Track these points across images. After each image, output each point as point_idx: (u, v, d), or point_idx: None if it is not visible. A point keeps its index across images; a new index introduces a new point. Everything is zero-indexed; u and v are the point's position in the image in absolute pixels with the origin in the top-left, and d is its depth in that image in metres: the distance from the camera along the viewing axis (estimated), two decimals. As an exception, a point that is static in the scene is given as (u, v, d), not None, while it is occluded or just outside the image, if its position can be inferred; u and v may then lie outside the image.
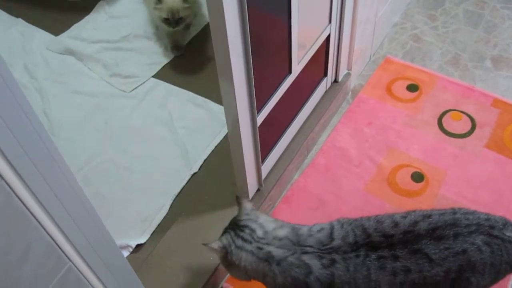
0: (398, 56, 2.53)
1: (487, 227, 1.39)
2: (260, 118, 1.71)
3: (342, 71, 2.28)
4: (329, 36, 2.01)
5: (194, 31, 2.65)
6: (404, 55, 2.54)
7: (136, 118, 2.30)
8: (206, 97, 2.33)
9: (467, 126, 2.24)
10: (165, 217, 1.97)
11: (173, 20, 2.39)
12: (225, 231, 1.55)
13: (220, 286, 1.87)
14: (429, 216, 1.42)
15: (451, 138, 2.21)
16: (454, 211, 1.43)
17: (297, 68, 1.84)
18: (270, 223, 1.51)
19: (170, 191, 2.03)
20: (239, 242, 1.48)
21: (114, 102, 2.38)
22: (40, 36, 2.70)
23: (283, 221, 1.55)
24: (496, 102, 2.32)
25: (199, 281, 1.77)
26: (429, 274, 1.34)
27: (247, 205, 1.56)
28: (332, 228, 1.47)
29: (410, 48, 2.57)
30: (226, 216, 1.89)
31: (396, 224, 1.41)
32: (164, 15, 2.38)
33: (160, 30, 2.63)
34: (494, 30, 2.61)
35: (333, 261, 1.38)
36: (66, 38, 2.68)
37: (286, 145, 2.06)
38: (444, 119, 2.27)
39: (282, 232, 1.48)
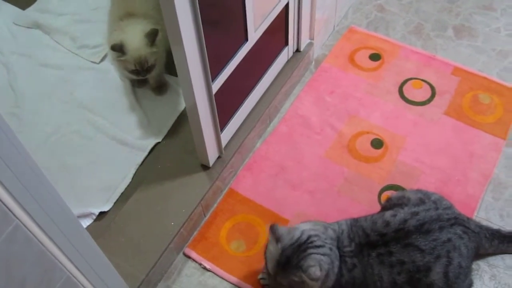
0: (362, 26, 2.56)
1: (461, 220, 1.65)
2: (215, 86, 1.74)
3: (304, 41, 2.30)
4: (287, 4, 2.03)
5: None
6: (368, 25, 2.57)
7: (101, 90, 2.32)
8: (168, 72, 2.33)
9: (427, 94, 2.29)
10: (128, 185, 2.01)
11: (142, 70, 2.08)
12: (302, 259, 1.51)
13: (182, 251, 1.92)
14: (417, 213, 1.60)
15: (411, 106, 2.25)
16: (436, 207, 1.64)
17: (254, 35, 1.87)
18: (316, 225, 1.60)
19: (134, 161, 2.07)
20: (315, 251, 1.53)
21: (80, 75, 2.40)
22: (7, 10, 2.69)
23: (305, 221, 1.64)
24: (457, 71, 2.36)
25: (161, 245, 1.82)
26: (421, 263, 1.55)
27: (283, 228, 1.57)
28: (348, 229, 1.62)
29: (374, 18, 2.59)
30: (186, 183, 1.94)
31: (387, 224, 1.60)
32: (132, 67, 2.07)
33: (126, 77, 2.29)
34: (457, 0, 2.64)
35: (354, 266, 1.57)
36: (33, 11, 2.67)
37: (247, 113, 2.09)
38: (405, 87, 2.31)
39: (329, 231, 1.60)
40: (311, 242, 1.53)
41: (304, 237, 1.54)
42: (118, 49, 2.03)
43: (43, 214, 1.18)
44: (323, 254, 1.52)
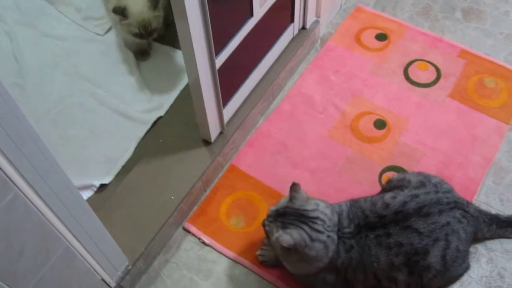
0: (370, 5, 2.53)
1: (461, 204, 1.65)
2: (219, 61, 1.73)
3: (311, 18, 2.28)
4: (294, -19, 2.01)
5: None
6: (376, 4, 2.54)
7: (105, 63, 2.31)
8: (172, 45, 2.33)
9: (432, 76, 2.27)
10: (129, 159, 2.01)
11: (145, 33, 2.10)
12: (291, 224, 1.53)
13: (181, 225, 1.92)
14: (417, 196, 1.60)
15: (416, 87, 2.24)
16: (436, 190, 1.64)
17: (259, 11, 1.85)
18: (326, 209, 1.59)
19: (135, 134, 2.07)
20: (315, 234, 1.53)
21: (83, 47, 2.38)
22: (11, -22, 2.67)
23: (319, 199, 1.63)
24: (463, 53, 2.34)
25: (160, 219, 1.82)
26: (419, 245, 1.55)
27: (303, 193, 1.59)
28: (348, 210, 1.62)
29: (382, -3, 2.56)
30: (187, 158, 1.94)
31: (387, 205, 1.59)
32: (135, 30, 2.08)
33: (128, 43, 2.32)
34: (467, -19, 2.60)
35: (351, 247, 1.57)
36: (37, -19, 2.65)
37: (250, 90, 2.08)
38: (410, 69, 2.30)
39: (335, 217, 1.59)
40: (314, 223, 1.53)
41: (312, 214, 1.54)
42: (120, 12, 2.04)
43: (43, 183, 1.19)
44: (314, 239, 1.52)
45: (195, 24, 1.53)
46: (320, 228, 1.53)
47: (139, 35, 2.12)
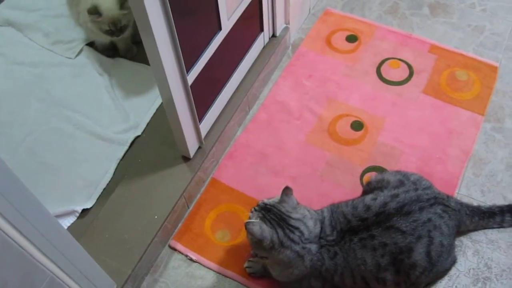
0: (338, 8, 2.55)
1: (441, 199, 1.67)
2: (191, 77, 1.73)
3: (280, 26, 2.29)
4: (260, -10, 2.02)
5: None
6: (344, 6, 2.56)
7: (78, 86, 2.30)
8: (144, 62, 2.33)
9: (404, 73, 2.29)
10: (110, 181, 2.00)
11: (116, 30, 2.17)
12: (269, 221, 1.55)
13: (167, 243, 1.92)
14: (397, 195, 1.62)
15: (390, 86, 2.26)
16: (415, 187, 1.66)
17: (227, 24, 1.85)
18: (310, 220, 1.59)
19: (114, 156, 2.06)
20: (287, 242, 1.54)
21: (55, 71, 2.37)
22: (-23, 9, 2.65)
23: (308, 208, 1.64)
24: (433, 48, 2.36)
25: (145, 239, 1.81)
26: (403, 244, 1.56)
27: (294, 199, 1.60)
28: (330, 217, 1.63)
29: (349, -1, 2.58)
30: (168, 176, 1.94)
31: (368, 208, 1.60)
32: (106, 27, 2.15)
33: (99, 42, 2.41)
34: (432, -24, 2.64)
35: (335, 254, 1.58)
36: (4, 9, 2.62)
37: (225, 102, 2.09)
38: (382, 68, 2.32)
39: (317, 228, 1.59)
40: (291, 231, 1.54)
41: (294, 223, 1.55)
42: (94, 11, 2.10)
43: (19, 217, 1.17)
44: (285, 246, 1.53)
45: (162, 41, 1.52)
46: (295, 238, 1.54)
47: (110, 32, 2.18)
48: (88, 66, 2.36)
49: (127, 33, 2.25)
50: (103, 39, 2.32)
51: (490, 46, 2.36)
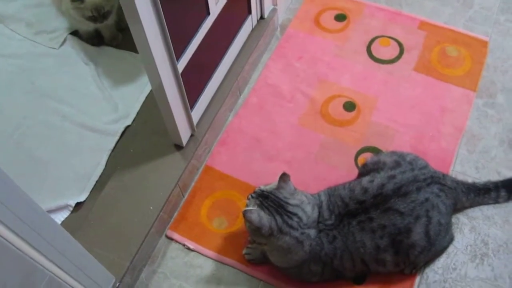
0: (325, -13, 2.51)
1: (437, 178, 1.66)
2: (181, 64, 1.69)
3: (268, 7, 2.25)
4: (247, -27, 1.98)
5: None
6: (331, -15, 2.52)
7: (63, 76, 2.25)
8: (130, 50, 2.29)
9: (395, 51, 2.27)
10: (102, 173, 1.97)
11: (99, 16, 2.14)
12: (267, 208, 1.54)
13: (164, 233, 1.90)
14: (394, 176, 1.61)
15: (380, 65, 2.24)
16: (412, 168, 1.65)
17: (215, 8, 1.81)
18: (308, 206, 1.57)
19: (105, 147, 2.02)
20: (286, 228, 1.53)
21: (40, 62, 2.31)
22: (-45, 0, 2.57)
23: (306, 193, 1.63)
24: (423, 25, 2.34)
25: (142, 231, 1.79)
26: (402, 225, 1.56)
27: (291, 185, 1.58)
28: (327, 200, 1.62)
29: (336, -23, 2.54)
30: (161, 165, 1.91)
31: (365, 190, 1.60)
32: (88, 13, 2.12)
33: (83, 30, 2.35)
34: (418, -49, 2.60)
35: (334, 237, 1.57)
36: (-17, 0, 2.55)
37: (216, 88, 2.05)
38: (372, 46, 2.29)
39: (315, 213, 1.58)
40: (289, 218, 1.53)
41: (292, 209, 1.54)
42: None
43: (12, 216, 1.14)
44: (284, 233, 1.53)
45: (151, 27, 1.48)
46: (294, 224, 1.54)
47: (93, 18, 2.14)
48: (73, 55, 2.31)
49: (110, 19, 2.21)
50: (87, 26, 2.27)
51: (479, 21, 2.34)
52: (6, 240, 1.14)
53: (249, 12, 2.15)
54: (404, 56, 2.25)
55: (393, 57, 2.25)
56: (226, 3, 1.89)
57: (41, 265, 1.26)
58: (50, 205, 1.86)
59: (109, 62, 2.28)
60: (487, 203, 1.86)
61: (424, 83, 2.16)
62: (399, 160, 1.71)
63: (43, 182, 1.95)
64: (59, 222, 1.83)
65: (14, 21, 2.45)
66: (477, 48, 2.24)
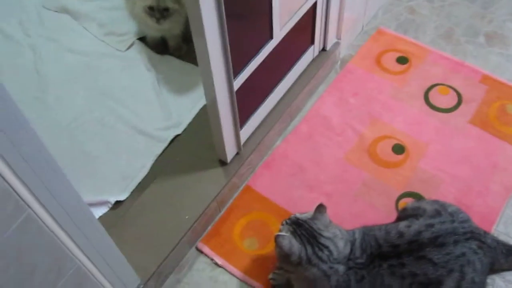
0: (391, 28, 2.52)
1: (478, 234, 1.61)
2: (237, 83, 1.73)
3: (331, 40, 2.27)
4: (315, 3, 2.00)
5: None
6: (397, 27, 2.52)
7: (125, 78, 2.33)
8: (191, 62, 2.35)
9: (453, 101, 2.24)
10: (146, 176, 2.01)
11: (157, 10, 2.12)
12: (300, 237, 1.54)
13: (195, 245, 1.92)
14: (432, 225, 1.57)
15: (436, 112, 2.21)
16: (452, 219, 1.61)
17: (279, 33, 1.85)
18: (340, 240, 1.57)
19: (152, 152, 2.07)
20: (315, 260, 1.53)
21: (105, 62, 2.41)
22: (37, -7, 2.71)
23: (341, 227, 1.62)
24: (485, 79, 2.30)
25: (174, 238, 1.82)
26: (433, 276, 1.52)
27: (327, 217, 1.58)
28: (361, 239, 1.60)
29: (404, 20, 2.55)
30: (203, 178, 1.94)
31: (401, 235, 1.57)
32: (149, 2, 2.11)
33: (150, 36, 2.41)
34: (491, 6, 2.58)
35: (362, 277, 1.55)
36: (63, -5, 2.69)
37: (268, 111, 2.08)
38: (431, 93, 2.27)
39: (347, 249, 1.57)
40: (320, 250, 1.52)
41: (324, 242, 1.53)
42: None
43: (55, 203, 1.19)
44: (312, 264, 1.52)
45: (214, 43, 1.53)
46: (324, 257, 1.52)
47: (151, 11, 2.13)
48: (137, 60, 2.39)
49: (176, 28, 2.25)
50: (154, 31, 2.33)
51: (545, 83, 2.29)
52: (44, 223, 1.18)
53: (312, 42, 2.18)
54: (462, 107, 2.22)
55: (450, 106, 2.22)
56: (290, 30, 1.92)
57: (72, 253, 1.30)
58: (91, 199, 1.91)
59: (169, 71, 2.34)
60: (527, 269, 1.80)
61: (478, 137, 2.12)
62: (440, 209, 1.67)
63: (88, 176, 2.01)
64: (97, 217, 1.88)
65: (88, 20, 2.56)
66: (538, 110, 2.18)
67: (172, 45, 2.39)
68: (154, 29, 2.27)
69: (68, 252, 1.30)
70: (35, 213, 1.14)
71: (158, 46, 2.41)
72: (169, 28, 2.26)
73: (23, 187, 1.09)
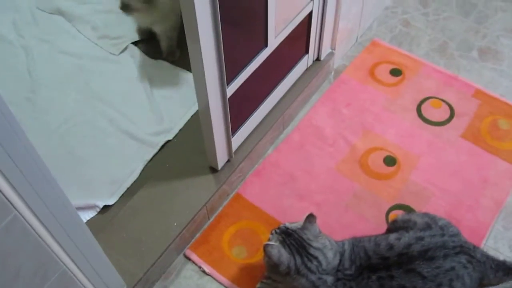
0: (386, 40, 2.52)
1: (467, 249, 1.60)
2: (230, 90, 1.72)
3: (325, 50, 2.27)
4: (311, 13, 2.00)
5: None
6: (392, 39, 2.53)
7: (117, 82, 2.32)
8: (185, 68, 2.35)
9: (445, 115, 2.24)
10: (135, 181, 2.00)
11: None
12: (289, 247, 1.54)
13: (183, 252, 1.90)
14: (422, 238, 1.56)
15: (428, 125, 2.21)
16: (442, 233, 1.60)
17: (273, 42, 1.84)
18: (330, 251, 1.56)
19: (143, 157, 2.06)
20: (304, 270, 1.53)
21: (98, 65, 2.39)
22: (32, -6, 2.70)
23: (330, 238, 1.62)
24: (478, 93, 2.31)
25: (161, 245, 1.80)
26: None
27: (317, 228, 1.58)
28: (350, 250, 1.59)
29: (398, 32, 2.56)
30: (193, 184, 1.93)
31: (391, 247, 1.56)
32: None
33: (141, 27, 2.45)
34: (485, 21, 2.59)
35: None
36: (57, -3, 2.67)
37: (260, 119, 2.07)
38: (423, 106, 2.27)
39: (336, 260, 1.56)
40: (309, 260, 1.51)
41: (313, 252, 1.52)
42: None
43: (42, 206, 1.17)
44: (301, 274, 1.51)
45: (208, 49, 1.52)
46: (312, 267, 1.51)
47: None
48: (130, 64, 2.38)
49: (163, 25, 2.25)
50: (142, 21, 2.32)
51: (537, 99, 2.30)
52: (30, 226, 1.16)
53: (306, 51, 2.17)
54: (454, 121, 2.22)
55: (442, 120, 2.23)
56: (285, 39, 1.92)
57: (57, 256, 1.28)
58: (79, 202, 1.89)
59: (162, 76, 2.33)
60: (515, 285, 1.79)
61: (469, 151, 2.12)
62: (431, 223, 1.67)
63: (77, 179, 2.00)
64: (84, 221, 1.86)
65: (82, 23, 2.55)
66: (530, 126, 2.19)
67: (165, 49, 2.38)
68: (141, 18, 2.26)
69: (54, 256, 1.28)
70: (21, 215, 1.13)
71: (151, 51, 2.39)
72: (156, 21, 2.27)
73: (10, 188, 1.07)
